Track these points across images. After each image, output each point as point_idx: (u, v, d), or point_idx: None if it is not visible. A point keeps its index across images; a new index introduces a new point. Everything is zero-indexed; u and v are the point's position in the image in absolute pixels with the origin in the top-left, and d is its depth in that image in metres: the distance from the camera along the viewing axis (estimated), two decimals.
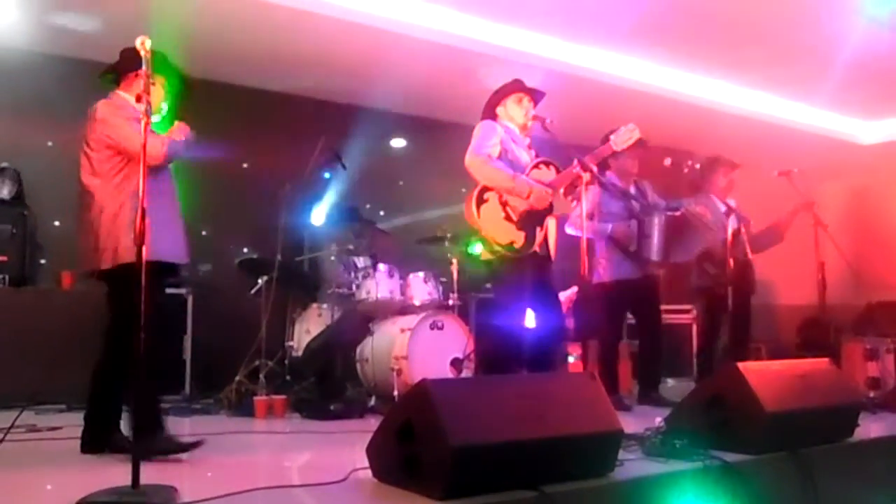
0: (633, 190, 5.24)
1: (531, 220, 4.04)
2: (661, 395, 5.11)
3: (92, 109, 3.56)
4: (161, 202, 3.37)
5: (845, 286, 7.49)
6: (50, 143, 6.10)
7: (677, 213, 5.12)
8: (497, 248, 3.94)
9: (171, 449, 3.29)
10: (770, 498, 3.12)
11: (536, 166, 4.16)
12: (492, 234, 3.92)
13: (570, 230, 4.77)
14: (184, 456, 3.32)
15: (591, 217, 5.11)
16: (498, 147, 4.04)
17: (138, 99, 2.83)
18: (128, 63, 3.58)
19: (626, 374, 5.34)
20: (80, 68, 5.99)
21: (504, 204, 3.99)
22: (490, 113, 4.30)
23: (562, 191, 4.14)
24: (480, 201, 3.95)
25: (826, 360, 3.88)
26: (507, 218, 3.98)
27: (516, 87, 4.25)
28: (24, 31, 5.61)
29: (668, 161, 5.23)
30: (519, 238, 3.99)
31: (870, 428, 4.04)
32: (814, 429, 3.43)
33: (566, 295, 6.34)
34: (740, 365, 3.37)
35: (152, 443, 3.21)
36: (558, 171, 4.14)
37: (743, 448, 3.19)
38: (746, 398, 3.25)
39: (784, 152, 7.45)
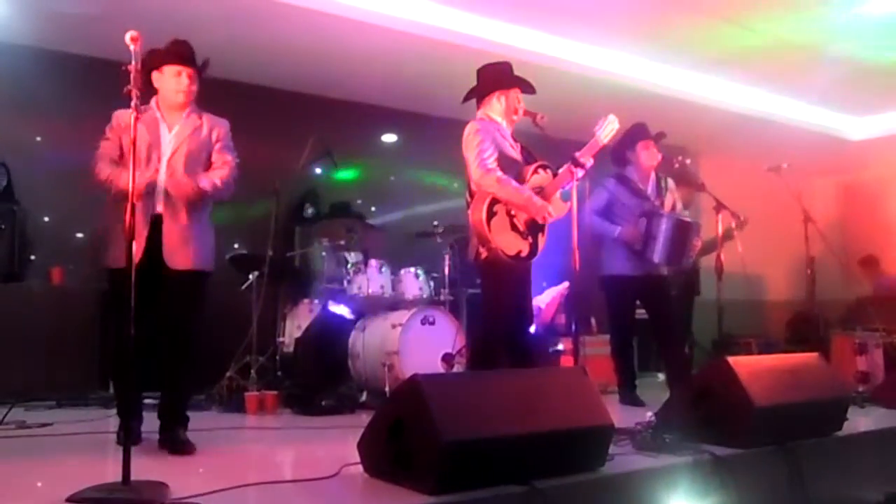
0: (651, 186, 5.26)
1: (535, 228, 4.07)
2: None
3: None
4: None
5: (834, 281, 7.54)
6: (39, 139, 6.07)
7: (687, 220, 5.15)
8: (503, 257, 3.95)
9: None
10: (759, 491, 3.14)
11: (535, 171, 4.15)
12: (501, 245, 3.93)
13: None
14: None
15: (601, 213, 5.14)
16: (496, 150, 4.02)
17: (128, 93, 2.78)
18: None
19: (610, 370, 5.34)
20: (69, 63, 5.98)
21: (510, 215, 4.01)
22: (481, 99, 4.26)
23: (558, 195, 4.14)
24: (490, 214, 3.95)
25: (815, 354, 3.91)
26: (514, 228, 4.00)
27: (515, 81, 4.23)
28: (12, 25, 5.57)
29: (659, 156, 5.25)
30: (525, 247, 4.03)
31: (858, 422, 4.06)
32: (803, 423, 3.45)
33: (557, 290, 6.35)
34: (730, 359, 3.39)
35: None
36: (555, 175, 4.15)
37: (732, 442, 3.21)
38: (736, 392, 3.27)
39: (774, 148, 7.49)
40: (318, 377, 5.27)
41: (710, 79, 7.42)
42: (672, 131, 5.44)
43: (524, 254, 4.03)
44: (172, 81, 3.62)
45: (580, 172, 3.89)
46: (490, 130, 4.06)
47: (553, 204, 4.08)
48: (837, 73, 6.92)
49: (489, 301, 4.15)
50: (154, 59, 3.60)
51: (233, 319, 5.62)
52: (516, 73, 4.25)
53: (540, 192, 4.06)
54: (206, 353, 5.60)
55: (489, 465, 2.49)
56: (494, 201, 3.97)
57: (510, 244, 3.98)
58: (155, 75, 3.62)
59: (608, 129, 4.06)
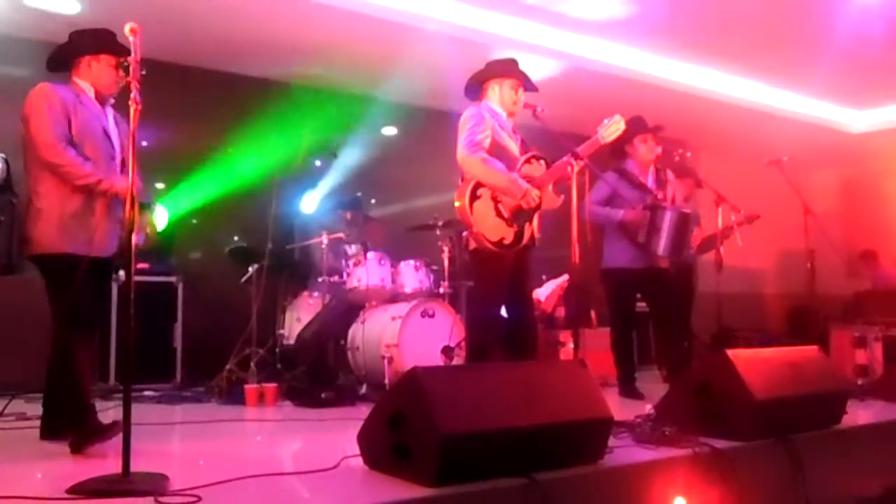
0: (651, 179, 5.25)
1: (522, 216, 4.03)
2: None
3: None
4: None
5: (834, 274, 7.54)
6: None
7: (688, 212, 5.14)
8: (486, 243, 3.93)
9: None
10: (759, 484, 3.14)
11: (528, 161, 4.12)
12: (483, 230, 3.91)
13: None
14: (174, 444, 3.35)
15: (604, 204, 5.12)
16: (489, 137, 4.01)
17: (127, 85, 2.76)
18: (81, 46, 3.50)
19: (609, 363, 5.33)
20: None
21: (496, 200, 3.98)
22: (478, 88, 4.25)
23: (550, 187, 4.11)
24: (474, 197, 3.93)
25: (815, 347, 3.90)
26: (499, 214, 3.97)
27: (515, 72, 4.22)
28: (8, 17, 5.55)
29: (658, 149, 5.24)
30: (509, 234, 3.99)
31: (858, 415, 4.06)
32: (802, 416, 3.45)
33: (557, 283, 6.35)
34: (729, 352, 3.39)
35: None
36: (548, 166, 4.12)
37: (732, 435, 3.21)
38: (735, 386, 3.27)
39: (774, 141, 7.48)
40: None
41: (711, 71, 7.41)
42: (672, 124, 5.44)
43: (508, 241, 3.99)
44: (110, 72, 3.51)
45: (578, 166, 3.86)
46: (486, 117, 4.04)
47: (545, 195, 4.06)
48: (838, 65, 6.91)
49: (478, 291, 4.15)
50: (94, 44, 3.46)
51: (232, 312, 5.63)
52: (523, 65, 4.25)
53: (530, 182, 4.05)
54: (206, 346, 5.68)
55: (488, 458, 2.49)
56: (478, 185, 3.95)
57: (493, 230, 3.95)
58: (90, 59, 3.48)
59: (612, 129, 4.04)
